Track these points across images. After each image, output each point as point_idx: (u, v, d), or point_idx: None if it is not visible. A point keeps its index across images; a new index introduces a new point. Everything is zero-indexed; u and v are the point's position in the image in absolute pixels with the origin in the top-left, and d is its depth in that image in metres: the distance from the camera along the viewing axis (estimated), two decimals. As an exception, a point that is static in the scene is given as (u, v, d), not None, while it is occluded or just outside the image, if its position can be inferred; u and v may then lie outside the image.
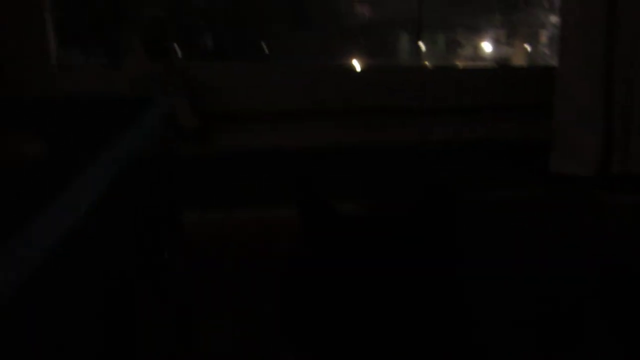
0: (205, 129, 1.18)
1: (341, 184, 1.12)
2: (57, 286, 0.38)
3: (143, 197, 0.68)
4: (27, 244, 0.35)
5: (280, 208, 0.95)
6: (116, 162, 0.57)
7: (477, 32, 1.69)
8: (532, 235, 1.06)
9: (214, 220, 1.14)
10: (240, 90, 1.30)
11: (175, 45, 1.32)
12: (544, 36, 1.64)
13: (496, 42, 1.65)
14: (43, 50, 1.27)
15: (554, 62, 1.40)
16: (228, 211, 1.17)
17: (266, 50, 1.57)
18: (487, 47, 1.66)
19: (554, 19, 1.58)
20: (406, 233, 0.61)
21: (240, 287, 1.02)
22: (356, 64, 1.71)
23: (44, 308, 0.35)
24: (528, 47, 1.65)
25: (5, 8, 1.22)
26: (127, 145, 0.63)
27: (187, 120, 1.15)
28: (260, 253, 1.08)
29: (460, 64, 1.64)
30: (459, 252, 0.61)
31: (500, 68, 1.55)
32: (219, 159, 1.22)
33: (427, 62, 1.65)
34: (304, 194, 0.62)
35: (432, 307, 0.58)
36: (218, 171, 1.22)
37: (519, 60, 1.64)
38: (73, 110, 0.86)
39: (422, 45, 1.70)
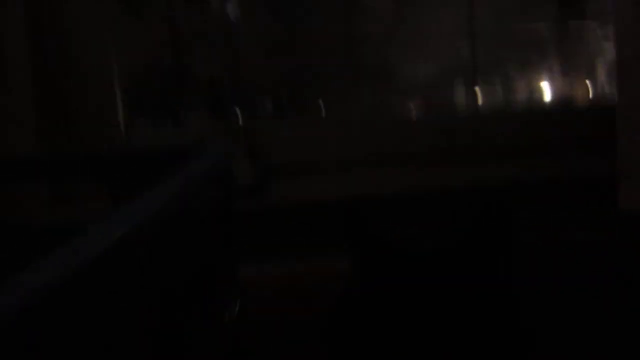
0: (262, 185, 1.21)
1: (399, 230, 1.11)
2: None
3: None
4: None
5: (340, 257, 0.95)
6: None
7: (533, 69, 1.68)
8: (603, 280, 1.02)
9: (268, 274, 1.15)
10: (295, 143, 1.33)
11: (237, 109, 1.38)
12: (601, 68, 1.60)
13: (552, 79, 1.63)
14: (114, 122, 1.35)
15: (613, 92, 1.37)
16: (282, 264, 1.19)
17: (323, 109, 1.61)
18: (544, 85, 1.64)
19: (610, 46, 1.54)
20: (463, 260, 0.60)
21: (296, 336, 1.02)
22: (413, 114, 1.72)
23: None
24: (587, 81, 1.62)
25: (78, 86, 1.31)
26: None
27: (245, 178, 1.19)
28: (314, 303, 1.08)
29: (518, 105, 1.62)
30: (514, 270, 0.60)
31: (556, 108, 1.52)
32: (274, 213, 1.25)
33: (482, 107, 1.65)
34: (355, 227, 0.62)
35: (492, 336, 0.57)
36: (274, 225, 1.24)
37: (578, 96, 1.61)
38: (134, 162, 0.90)
39: (478, 92, 1.70)
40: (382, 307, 0.59)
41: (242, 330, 0.87)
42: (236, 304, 0.86)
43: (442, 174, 1.35)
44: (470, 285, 0.60)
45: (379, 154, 1.36)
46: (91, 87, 1.33)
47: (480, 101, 1.65)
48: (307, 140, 1.35)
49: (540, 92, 1.63)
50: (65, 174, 0.92)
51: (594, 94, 1.60)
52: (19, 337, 0.29)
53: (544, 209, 1.31)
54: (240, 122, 1.28)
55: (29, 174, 0.90)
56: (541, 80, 1.62)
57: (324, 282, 1.14)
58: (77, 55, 1.31)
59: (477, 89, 1.66)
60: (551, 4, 1.82)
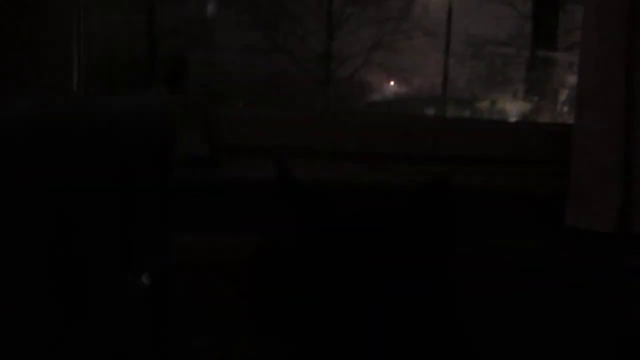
0: (213, 159, 1.20)
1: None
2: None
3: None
4: None
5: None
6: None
7: (501, 89, 1.70)
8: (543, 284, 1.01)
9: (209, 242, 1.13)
10: (244, 128, 1.32)
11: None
12: (563, 95, 1.64)
13: (514, 99, 1.66)
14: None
15: (571, 120, 1.39)
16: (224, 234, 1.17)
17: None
18: (509, 105, 1.66)
19: (572, 78, 1.58)
20: (397, 219, 0.58)
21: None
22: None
23: None
24: (546, 105, 1.65)
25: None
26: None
27: (196, 148, 1.17)
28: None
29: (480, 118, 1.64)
30: (454, 240, 0.58)
31: (518, 123, 1.54)
32: (224, 187, 1.23)
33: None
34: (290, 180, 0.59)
35: (421, 291, 0.55)
36: (219, 198, 1.23)
37: (537, 118, 1.63)
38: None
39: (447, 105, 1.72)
40: (313, 256, 0.56)
41: (165, 292, 0.84)
42: (159, 266, 0.82)
43: (397, 172, 1.34)
44: (404, 245, 0.58)
45: (334, 146, 1.35)
46: (50, 59, 1.29)
47: (447, 113, 1.66)
48: (258, 126, 1.34)
49: (505, 110, 1.65)
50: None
51: (555, 117, 1.63)
52: None
53: (496, 216, 1.32)
54: (194, 96, 1.27)
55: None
56: (507, 100, 1.65)
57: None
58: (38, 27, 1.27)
59: (446, 105, 1.67)
60: (525, 34, 1.86)
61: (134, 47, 1.83)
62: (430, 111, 2.04)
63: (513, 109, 1.64)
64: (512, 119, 1.58)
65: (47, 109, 0.61)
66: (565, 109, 1.62)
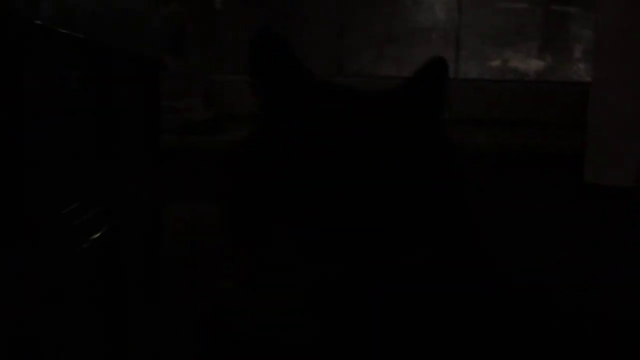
0: (215, 124, 1.17)
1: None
2: None
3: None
4: None
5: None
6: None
7: (512, 46, 1.65)
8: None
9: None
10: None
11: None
12: (577, 51, 1.57)
13: (528, 56, 1.60)
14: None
15: (587, 78, 1.34)
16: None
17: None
18: (517, 60, 1.60)
19: (587, 33, 1.52)
20: (394, 103, 0.54)
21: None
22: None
23: None
24: (561, 62, 1.59)
25: None
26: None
27: (197, 113, 1.14)
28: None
29: (490, 77, 1.59)
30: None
31: (530, 83, 1.48)
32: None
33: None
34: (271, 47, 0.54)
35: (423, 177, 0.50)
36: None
37: (551, 75, 1.58)
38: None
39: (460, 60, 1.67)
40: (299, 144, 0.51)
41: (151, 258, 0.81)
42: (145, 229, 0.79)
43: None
44: (399, 126, 0.54)
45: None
46: None
47: (460, 71, 1.61)
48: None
49: (518, 68, 1.60)
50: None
51: (571, 75, 1.57)
52: None
53: (513, 178, 1.28)
54: (196, 60, 1.23)
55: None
56: (520, 57, 1.59)
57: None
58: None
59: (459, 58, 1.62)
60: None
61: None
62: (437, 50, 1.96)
63: (527, 66, 1.58)
64: (526, 78, 1.52)
65: None
66: (582, 66, 1.56)
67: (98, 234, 0.60)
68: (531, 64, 1.60)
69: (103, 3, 0.98)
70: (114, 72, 0.63)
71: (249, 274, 0.52)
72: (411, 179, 0.50)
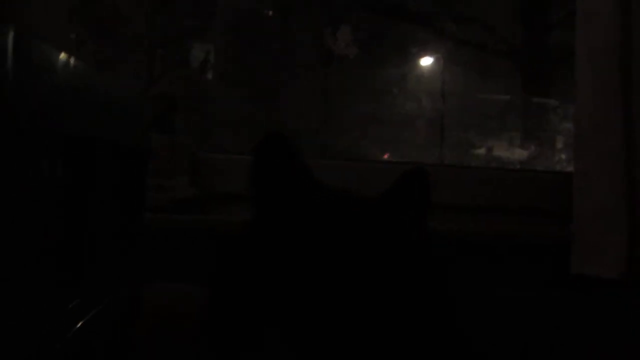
0: (199, 203, 1.16)
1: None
2: None
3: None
4: None
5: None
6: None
7: (495, 136, 1.68)
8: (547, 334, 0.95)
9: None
10: (232, 174, 1.29)
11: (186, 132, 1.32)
12: (559, 141, 1.61)
13: (510, 145, 1.63)
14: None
15: (569, 168, 1.37)
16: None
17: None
18: (501, 149, 1.64)
19: (568, 124, 1.56)
20: (381, 210, 0.54)
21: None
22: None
23: None
24: (544, 151, 1.62)
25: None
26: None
27: (183, 191, 1.13)
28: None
29: (474, 164, 1.61)
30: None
31: (515, 170, 1.50)
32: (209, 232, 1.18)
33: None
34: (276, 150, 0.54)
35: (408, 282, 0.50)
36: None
37: (534, 164, 1.60)
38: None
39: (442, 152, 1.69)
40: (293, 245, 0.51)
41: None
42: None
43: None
44: (383, 231, 0.54)
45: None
46: None
47: (445, 157, 1.63)
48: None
49: (501, 156, 1.63)
50: None
51: (553, 164, 1.60)
52: None
53: (493, 266, 1.26)
54: (183, 138, 1.23)
55: None
56: (503, 146, 1.63)
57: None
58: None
59: (440, 149, 1.64)
60: (515, 80, 1.86)
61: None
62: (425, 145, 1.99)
63: (509, 156, 1.61)
64: (510, 166, 1.55)
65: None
66: (564, 156, 1.59)
67: (78, 326, 0.57)
68: (514, 153, 1.63)
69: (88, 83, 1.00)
70: (97, 160, 0.63)
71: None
72: (400, 287, 0.51)
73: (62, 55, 0.51)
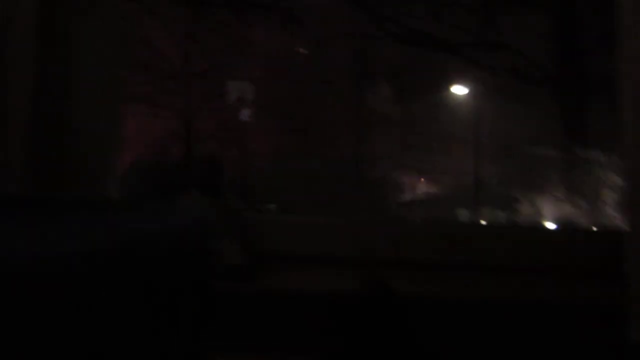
0: (250, 269, 1.15)
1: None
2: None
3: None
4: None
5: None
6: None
7: (537, 190, 1.66)
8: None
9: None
10: (284, 236, 1.29)
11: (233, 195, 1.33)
12: (608, 196, 1.58)
13: (556, 201, 1.60)
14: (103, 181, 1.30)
15: (619, 222, 1.33)
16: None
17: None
18: (546, 205, 1.61)
19: (616, 179, 1.53)
20: None
21: None
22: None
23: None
24: (591, 207, 1.59)
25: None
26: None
27: (233, 259, 1.13)
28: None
29: (519, 222, 1.59)
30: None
31: (562, 230, 1.47)
32: (262, 299, 1.17)
33: (483, 221, 1.61)
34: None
35: None
36: (257, 312, 1.16)
37: (580, 221, 1.57)
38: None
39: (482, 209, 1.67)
40: None
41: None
42: None
43: (438, 281, 1.27)
44: None
45: (372, 252, 1.30)
46: (90, 153, 1.29)
47: (483, 218, 1.61)
48: (299, 233, 1.30)
49: (543, 213, 1.60)
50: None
51: (598, 220, 1.57)
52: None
53: (538, 333, 1.22)
54: (233, 203, 1.24)
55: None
56: (545, 202, 1.60)
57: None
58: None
59: (480, 205, 1.63)
60: (557, 132, 1.84)
61: (172, 150, 1.85)
62: (464, 212, 1.99)
63: (551, 211, 1.59)
64: (552, 223, 1.52)
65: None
66: (612, 212, 1.56)
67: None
68: (558, 209, 1.60)
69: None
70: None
71: None
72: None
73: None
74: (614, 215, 1.57)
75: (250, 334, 1.15)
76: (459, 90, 2.66)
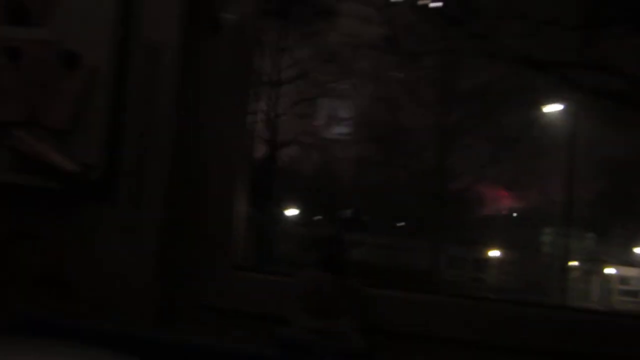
0: (372, 350, 1.19)
1: None
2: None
3: None
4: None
5: None
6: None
7: (633, 234, 1.63)
8: None
9: None
10: (406, 315, 1.32)
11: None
12: None
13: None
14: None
15: None
16: None
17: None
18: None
19: None
20: None
21: None
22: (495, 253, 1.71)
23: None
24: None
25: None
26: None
27: (354, 340, 1.20)
28: None
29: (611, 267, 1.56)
30: None
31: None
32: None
33: (574, 262, 1.61)
34: None
35: None
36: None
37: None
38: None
39: (570, 242, 1.68)
40: None
41: None
42: None
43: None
44: None
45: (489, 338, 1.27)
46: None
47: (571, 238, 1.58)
48: (421, 311, 1.30)
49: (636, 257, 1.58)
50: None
51: None
52: None
53: None
54: (352, 280, 1.31)
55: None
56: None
57: None
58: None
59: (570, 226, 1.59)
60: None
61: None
62: (549, 230, 1.99)
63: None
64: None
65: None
66: None
67: None
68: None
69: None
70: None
71: None
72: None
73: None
74: None
75: None
76: (554, 109, 2.60)
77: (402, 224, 2.52)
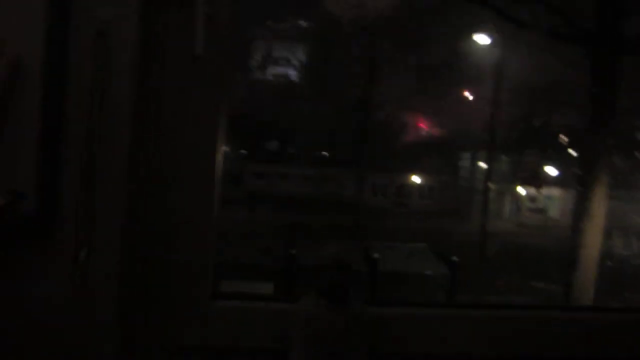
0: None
1: None
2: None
3: None
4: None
5: None
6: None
7: (547, 160, 1.69)
8: None
9: None
10: (416, 335, 1.12)
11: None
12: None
13: (565, 169, 1.59)
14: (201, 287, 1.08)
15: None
16: None
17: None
18: (551, 171, 1.70)
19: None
20: None
21: None
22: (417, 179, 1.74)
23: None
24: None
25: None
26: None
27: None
28: None
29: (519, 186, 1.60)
30: None
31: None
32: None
33: (491, 184, 1.69)
34: None
35: None
36: None
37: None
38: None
39: (483, 165, 1.73)
40: None
41: None
42: None
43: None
44: None
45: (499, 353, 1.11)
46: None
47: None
48: (429, 331, 1.10)
49: (547, 177, 1.65)
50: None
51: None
52: None
53: None
54: (357, 306, 1.21)
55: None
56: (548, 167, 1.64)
57: None
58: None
59: (481, 163, 1.62)
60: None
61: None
62: (469, 155, 2.00)
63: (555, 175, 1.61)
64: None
65: None
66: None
67: None
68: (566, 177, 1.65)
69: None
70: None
71: None
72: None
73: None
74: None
75: None
76: (483, 40, 2.45)
77: (326, 154, 2.53)
